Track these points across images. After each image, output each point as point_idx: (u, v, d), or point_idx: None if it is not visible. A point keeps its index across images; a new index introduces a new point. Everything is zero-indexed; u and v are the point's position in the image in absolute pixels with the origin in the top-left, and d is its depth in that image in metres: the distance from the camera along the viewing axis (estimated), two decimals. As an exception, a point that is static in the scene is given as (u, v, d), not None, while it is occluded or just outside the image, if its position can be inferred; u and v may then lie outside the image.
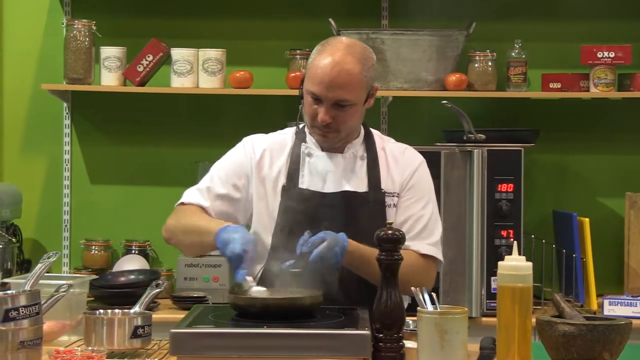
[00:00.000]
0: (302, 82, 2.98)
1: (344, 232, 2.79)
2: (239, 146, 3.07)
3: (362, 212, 2.93)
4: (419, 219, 2.98)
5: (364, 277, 2.84)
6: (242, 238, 2.73)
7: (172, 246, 3.07)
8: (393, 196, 2.99)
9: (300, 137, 3.04)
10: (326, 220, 2.86)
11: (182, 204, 3.04)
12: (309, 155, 3.01)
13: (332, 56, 2.89)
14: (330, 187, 2.97)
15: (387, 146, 3.06)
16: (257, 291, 2.68)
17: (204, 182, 3.04)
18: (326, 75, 2.88)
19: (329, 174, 2.98)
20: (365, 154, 3.02)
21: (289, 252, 2.78)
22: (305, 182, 2.98)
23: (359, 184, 2.98)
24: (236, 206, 3.01)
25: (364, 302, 2.75)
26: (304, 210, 2.91)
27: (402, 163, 3.03)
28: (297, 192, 2.95)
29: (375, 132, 3.10)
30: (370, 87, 2.96)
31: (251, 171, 3.00)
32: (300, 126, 3.05)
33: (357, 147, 3.02)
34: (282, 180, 2.98)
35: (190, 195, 3.04)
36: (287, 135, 3.07)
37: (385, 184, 2.99)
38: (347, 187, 2.97)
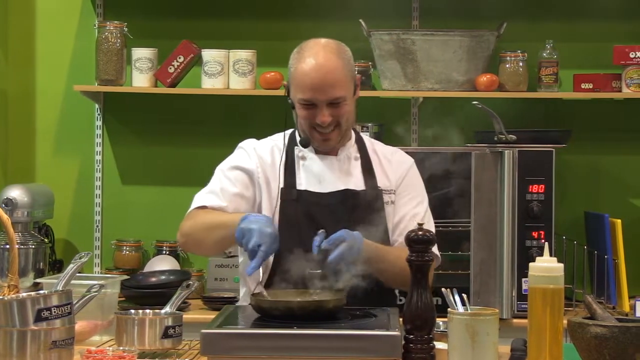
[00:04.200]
0: (288, 92, 3.03)
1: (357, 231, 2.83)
2: (239, 150, 3.11)
3: (361, 210, 2.98)
4: (414, 217, 3.03)
5: (374, 273, 2.86)
6: (259, 232, 2.74)
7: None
8: (390, 193, 3.05)
9: (291, 141, 3.08)
10: (326, 219, 2.92)
11: (196, 209, 3.05)
12: (303, 158, 3.06)
13: (314, 59, 2.94)
14: (328, 188, 3.02)
15: (377, 148, 3.15)
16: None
17: (215, 184, 3.07)
18: (315, 79, 2.93)
19: (325, 175, 3.03)
20: (358, 155, 3.09)
21: (291, 252, 2.81)
22: (303, 184, 3.03)
23: (356, 183, 3.04)
24: (249, 204, 3.04)
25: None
26: (305, 211, 2.97)
27: (395, 163, 3.11)
28: (296, 193, 3.00)
29: (364, 136, 3.18)
30: (354, 78, 3.02)
31: (255, 171, 3.04)
32: (290, 131, 3.10)
33: (349, 149, 3.09)
34: (279, 183, 3.02)
35: (205, 198, 3.05)
36: (278, 140, 3.11)
37: (381, 182, 3.05)
38: (345, 187, 3.02)
